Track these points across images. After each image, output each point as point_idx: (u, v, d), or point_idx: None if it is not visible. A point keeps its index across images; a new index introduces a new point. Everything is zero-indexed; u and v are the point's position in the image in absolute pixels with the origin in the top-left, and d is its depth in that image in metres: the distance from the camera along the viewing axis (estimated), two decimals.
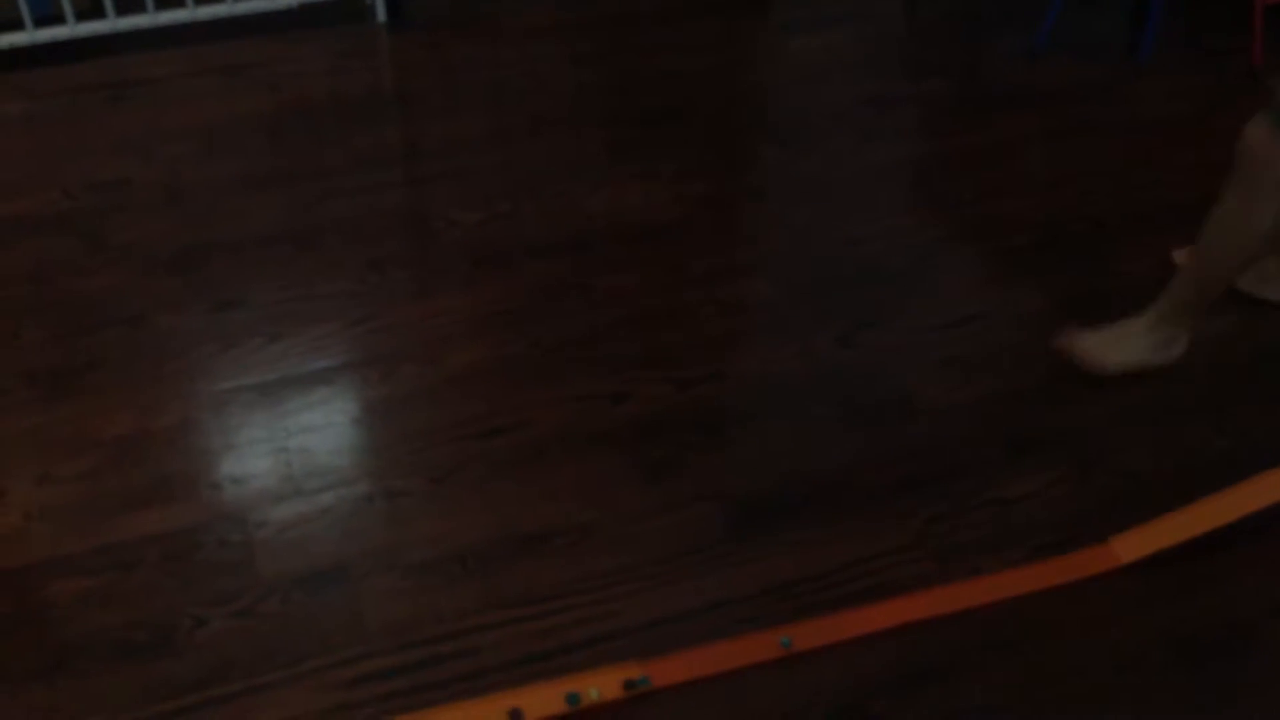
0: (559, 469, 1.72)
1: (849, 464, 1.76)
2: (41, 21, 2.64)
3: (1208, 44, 2.88)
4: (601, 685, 1.43)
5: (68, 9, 2.62)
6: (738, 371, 1.92)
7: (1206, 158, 2.32)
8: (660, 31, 2.88)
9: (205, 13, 2.72)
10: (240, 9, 2.75)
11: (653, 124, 2.53)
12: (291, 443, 1.75)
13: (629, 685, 1.43)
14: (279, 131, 2.46)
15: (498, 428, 1.78)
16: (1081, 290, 2.09)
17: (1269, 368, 1.95)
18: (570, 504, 1.67)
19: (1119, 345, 1.87)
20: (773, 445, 1.78)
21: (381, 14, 2.84)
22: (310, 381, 1.85)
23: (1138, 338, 1.87)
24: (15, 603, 1.52)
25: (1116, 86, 2.72)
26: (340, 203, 2.25)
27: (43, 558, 1.58)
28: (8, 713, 1.40)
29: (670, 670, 1.46)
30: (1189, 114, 2.61)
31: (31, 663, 1.45)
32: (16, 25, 2.62)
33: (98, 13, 2.69)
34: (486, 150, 2.42)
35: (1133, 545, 1.62)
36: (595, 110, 2.59)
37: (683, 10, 2.99)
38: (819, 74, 2.77)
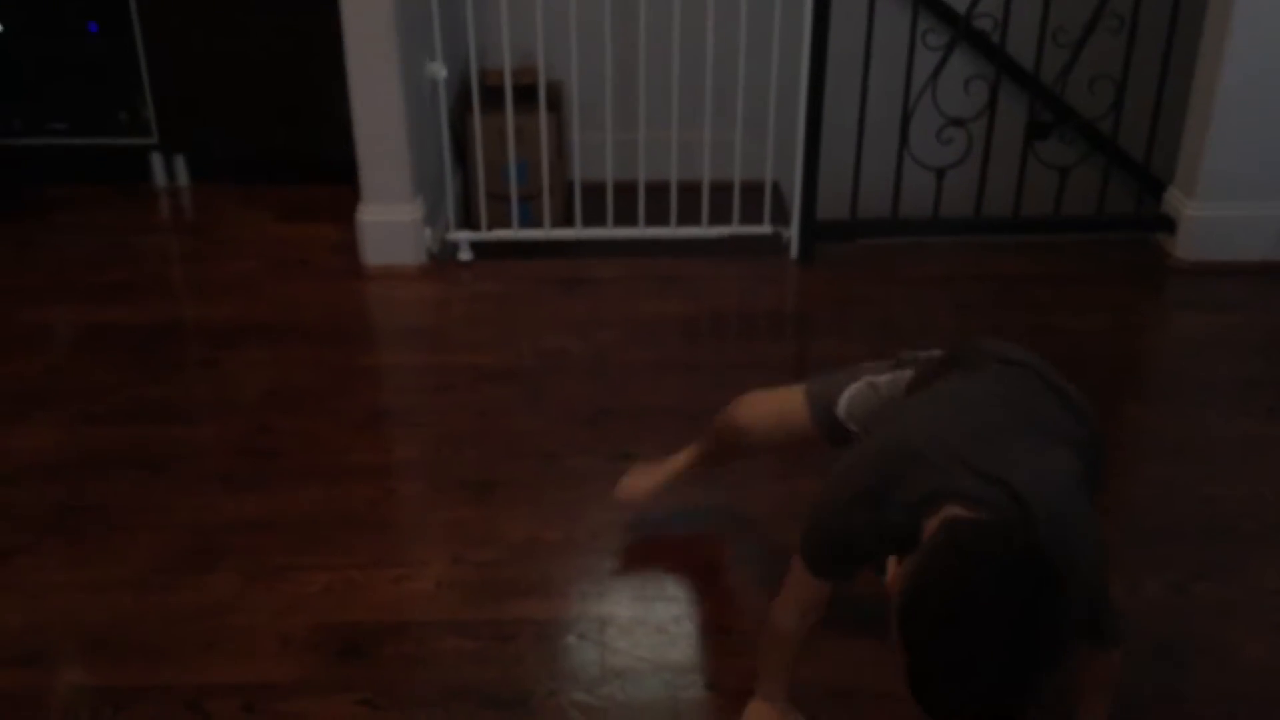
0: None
1: (1159, 698, 1.80)
2: (524, 225, 3.30)
3: None
4: None
5: (546, 218, 3.26)
6: None
7: None
8: (1049, 293, 3.09)
9: (652, 232, 3.26)
10: (681, 233, 3.27)
11: None
12: (650, 572, 2.05)
13: None
14: (693, 332, 2.90)
15: None
16: None
17: None
18: None
19: None
20: None
21: (795, 251, 3.26)
22: (674, 528, 2.17)
23: None
24: (418, 645, 1.90)
25: None
26: (729, 392, 2.52)
27: (444, 618, 1.96)
28: None
29: None
30: None
31: (420, 693, 1.81)
32: (505, 225, 3.28)
33: (568, 222, 3.31)
34: None
35: None
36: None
37: (1077, 277, 3.19)
38: (1202, 350, 2.85)
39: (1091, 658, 1.59)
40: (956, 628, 1.19)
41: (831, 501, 1.50)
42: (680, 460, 2.09)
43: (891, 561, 1.35)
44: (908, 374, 1.73)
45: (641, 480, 2.10)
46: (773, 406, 1.90)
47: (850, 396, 1.77)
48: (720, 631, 1.96)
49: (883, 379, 1.76)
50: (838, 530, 1.48)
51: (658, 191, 3.19)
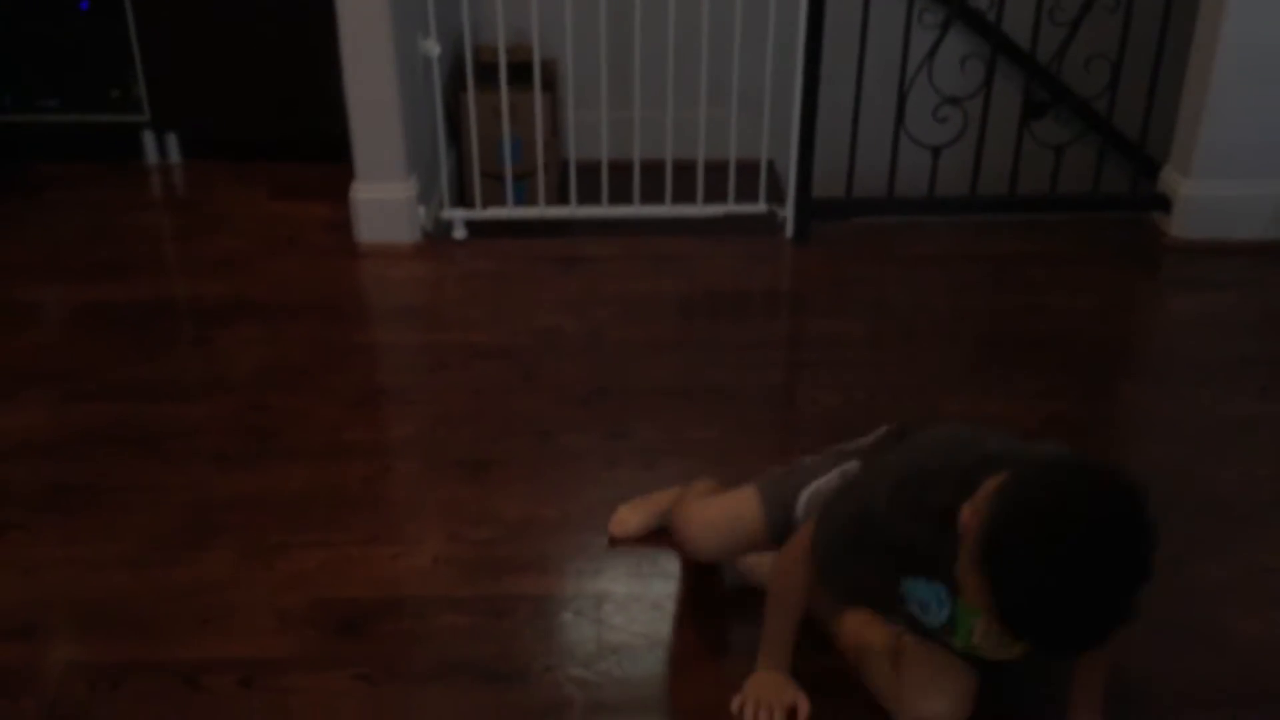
0: None
1: (1154, 675, 1.81)
2: (519, 203, 3.29)
3: None
4: None
5: (541, 196, 3.25)
6: None
7: None
8: (1044, 272, 3.09)
9: (647, 211, 3.25)
10: (676, 212, 3.26)
11: (1021, 349, 2.71)
12: (646, 549, 2.05)
13: None
14: (687, 310, 2.89)
15: None
16: None
17: None
18: None
19: None
20: None
21: (790, 230, 3.25)
22: None
23: None
24: (415, 621, 1.91)
25: None
26: (724, 371, 2.61)
27: (440, 594, 1.96)
28: (395, 702, 1.76)
29: None
30: None
31: (417, 667, 1.81)
32: (501, 203, 3.27)
33: (563, 201, 3.30)
34: (857, 349, 2.70)
35: None
36: (967, 331, 2.83)
37: (1071, 257, 3.19)
38: (1196, 329, 2.85)
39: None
40: (1060, 545, 1.21)
41: (859, 490, 1.57)
42: (668, 497, 2.07)
43: (965, 508, 1.35)
44: (855, 464, 1.75)
45: (632, 516, 2.08)
46: (720, 520, 1.84)
47: (810, 496, 1.76)
48: (716, 608, 1.96)
49: (840, 470, 1.77)
50: (861, 510, 1.52)
51: (653, 170, 3.18)
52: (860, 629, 1.73)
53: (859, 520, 1.55)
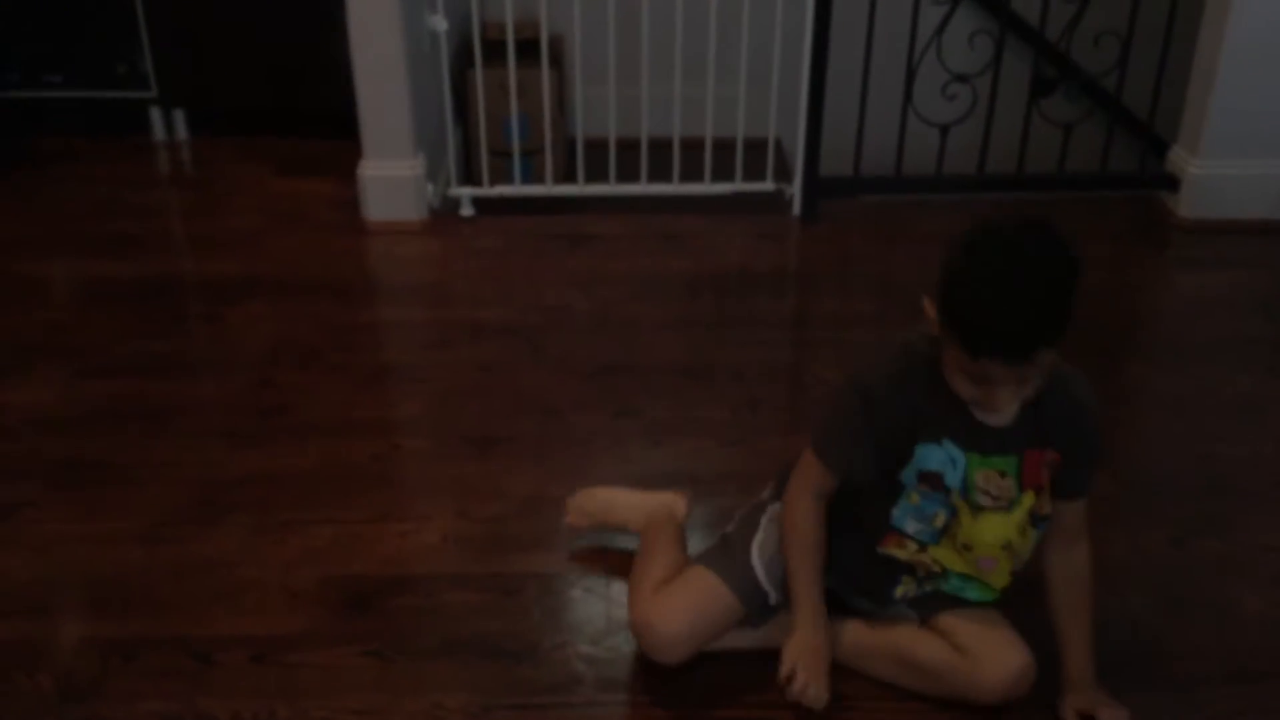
0: None
1: (1158, 650, 1.82)
2: (526, 181, 3.28)
3: None
4: None
5: (549, 174, 3.25)
6: None
7: None
8: None
9: (655, 189, 3.25)
10: (683, 190, 3.26)
11: None
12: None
13: None
14: (695, 288, 2.89)
15: None
16: None
17: None
18: None
19: None
20: None
21: (798, 208, 3.25)
22: (679, 483, 2.17)
23: None
24: (424, 598, 1.92)
25: None
26: (732, 350, 2.61)
27: (449, 572, 1.97)
28: (405, 677, 1.77)
29: None
30: None
31: (426, 644, 1.82)
32: (508, 180, 3.26)
33: (570, 178, 3.30)
34: (863, 327, 2.71)
35: None
36: None
37: (1080, 235, 3.15)
38: (1203, 307, 2.86)
39: (1066, 513, 1.66)
40: (986, 243, 1.47)
41: (845, 391, 1.64)
42: (627, 498, 2.00)
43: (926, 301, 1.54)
44: (776, 505, 1.79)
45: (588, 505, 2.01)
46: (689, 605, 1.73)
47: (759, 549, 1.76)
48: None
49: (766, 519, 1.79)
50: (861, 397, 1.60)
51: (660, 147, 3.17)
52: (904, 646, 1.73)
53: (860, 408, 1.60)
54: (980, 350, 1.43)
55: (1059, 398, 1.57)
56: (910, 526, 1.65)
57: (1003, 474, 1.59)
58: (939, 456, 1.59)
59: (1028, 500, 1.61)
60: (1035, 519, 1.63)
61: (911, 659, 1.72)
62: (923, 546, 1.66)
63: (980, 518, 1.61)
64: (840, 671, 1.72)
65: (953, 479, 1.60)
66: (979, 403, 1.52)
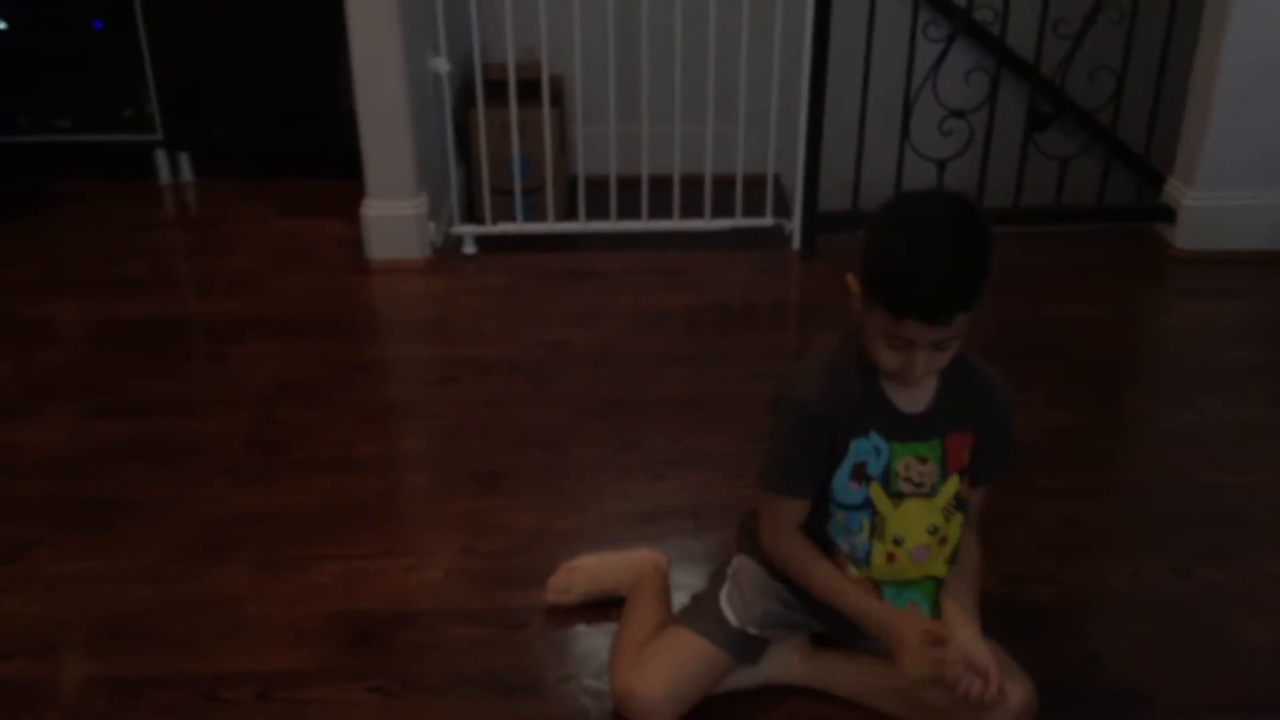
0: None
1: (1159, 679, 1.82)
2: (528, 218, 3.32)
3: None
4: None
5: (550, 211, 3.28)
6: (1069, 579, 2.04)
7: None
8: (1051, 282, 3.11)
9: (655, 225, 3.28)
10: (684, 226, 3.29)
11: (1027, 360, 2.73)
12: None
13: None
14: (696, 323, 2.92)
15: None
16: None
17: None
18: None
19: None
20: (1088, 646, 1.88)
21: (797, 243, 3.28)
22: (682, 516, 2.19)
23: None
24: (429, 633, 1.92)
25: None
26: (733, 383, 2.63)
27: (453, 607, 1.98)
28: (410, 713, 1.77)
29: None
30: None
31: (431, 679, 1.83)
32: (510, 218, 3.30)
33: (572, 216, 3.33)
34: None
35: None
36: (973, 342, 2.84)
37: (1076, 268, 3.21)
38: (1201, 338, 2.87)
39: (970, 499, 1.70)
40: (918, 219, 1.55)
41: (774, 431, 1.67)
42: (615, 562, 1.99)
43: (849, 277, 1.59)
44: (737, 559, 1.83)
45: (575, 581, 1.98)
46: (673, 665, 1.72)
47: (727, 600, 1.77)
48: None
49: (728, 576, 1.82)
50: (799, 416, 1.63)
51: (660, 185, 3.21)
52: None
53: (801, 425, 1.63)
54: (904, 309, 1.48)
55: (970, 380, 1.66)
56: (845, 545, 1.67)
57: (923, 459, 1.64)
58: (865, 448, 1.63)
59: (951, 485, 1.65)
60: (959, 503, 1.68)
61: (917, 697, 1.72)
62: (858, 566, 1.67)
63: (901, 506, 1.64)
64: (843, 705, 1.72)
65: (874, 467, 1.63)
66: (899, 375, 1.56)
